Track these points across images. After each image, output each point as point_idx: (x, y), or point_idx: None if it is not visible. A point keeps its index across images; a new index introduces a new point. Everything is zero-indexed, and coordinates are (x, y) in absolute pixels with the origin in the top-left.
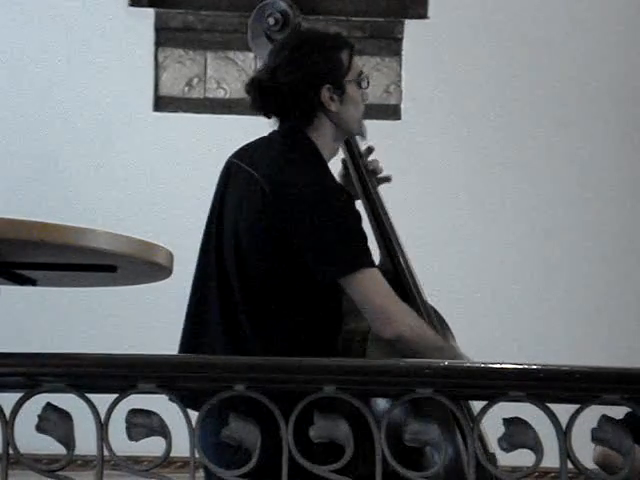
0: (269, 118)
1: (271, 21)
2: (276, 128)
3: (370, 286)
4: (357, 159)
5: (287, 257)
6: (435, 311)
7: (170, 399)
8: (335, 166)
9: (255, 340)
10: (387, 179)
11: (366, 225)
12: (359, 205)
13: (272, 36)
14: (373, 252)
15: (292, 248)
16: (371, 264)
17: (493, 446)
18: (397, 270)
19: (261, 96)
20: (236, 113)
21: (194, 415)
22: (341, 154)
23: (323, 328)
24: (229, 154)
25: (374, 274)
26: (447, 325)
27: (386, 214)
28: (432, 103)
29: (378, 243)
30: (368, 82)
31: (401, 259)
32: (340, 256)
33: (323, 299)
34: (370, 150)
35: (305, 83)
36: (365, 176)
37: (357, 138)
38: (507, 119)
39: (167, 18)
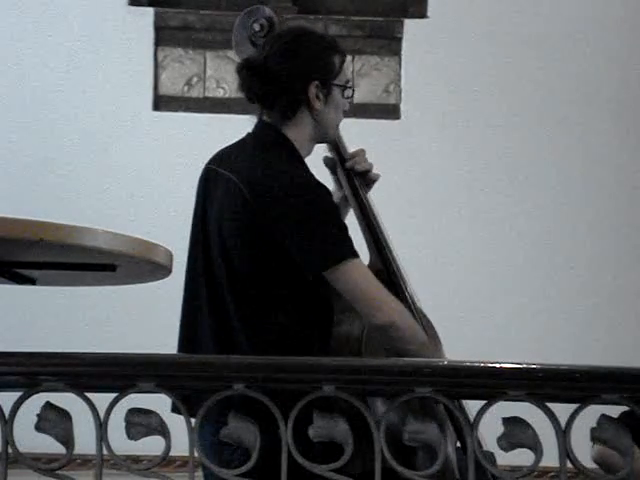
0: (252, 102)
1: (256, 27)
2: (250, 130)
3: (357, 275)
4: (345, 161)
5: (272, 255)
6: (424, 316)
7: (172, 410)
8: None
9: (245, 337)
10: (375, 179)
11: (355, 227)
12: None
13: (257, 42)
14: (363, 255)
15: (277, 246)
16: (354, 254)
17: (492, 446)
18: (388, 271)
19: (250, 77)
20: (235, 112)
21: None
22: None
23: (312, 322)
24: None
25: (359, 263)
26: (436, 332)
27: (375, 215)
28: (431, 102)
29: (368, 245)
30: (353, 93)
31: (392, 261)
32: (323, 249)
33: (310, 294)
34: (359, 152)
35: (295, 75)
36: (353, 178)
37: (344, 140)
38: (506, 118)
39: (166, 17)
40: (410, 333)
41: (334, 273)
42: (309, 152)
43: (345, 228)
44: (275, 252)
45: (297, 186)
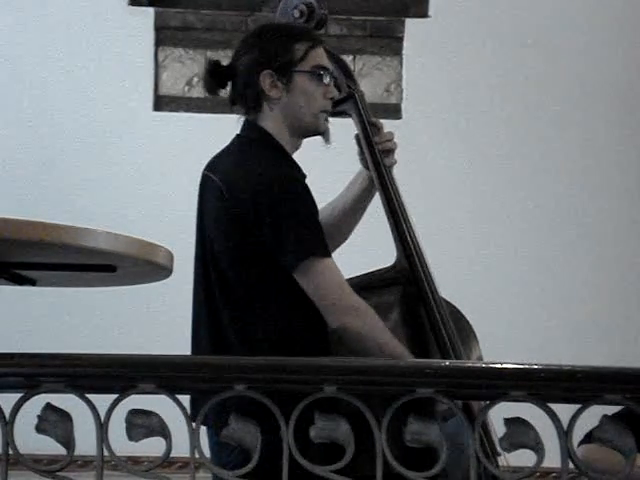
0: (233, 104)
1: (296, 13)
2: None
3: (319, 275)
4: (375, 152)
5: (254, 253)
6: (454, 309)
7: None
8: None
9: (235, 337)
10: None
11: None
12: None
13: None
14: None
15: (257, 243)
16: (323, 253)
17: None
18: (411, 266)
19: (211, 78)
20: (236, 113)
21: None
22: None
23: (304, 318)
24: None
25: (326, 263)
26: (468, 323)
27: (403, 206)
28: (433, 102)
29: (394, 237)
30: (331, 78)
31: (416, 255)
32: (291, 246)
33: (300, 294)
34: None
35: (247, 66)
36: (382, 167)
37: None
38: (508, 118)
39: (167, 17)
40: (368, 344)
41: (299, 269)
42: (295, 146)
43: (316, 225)
44: (257, 249)
45: (270, 183)
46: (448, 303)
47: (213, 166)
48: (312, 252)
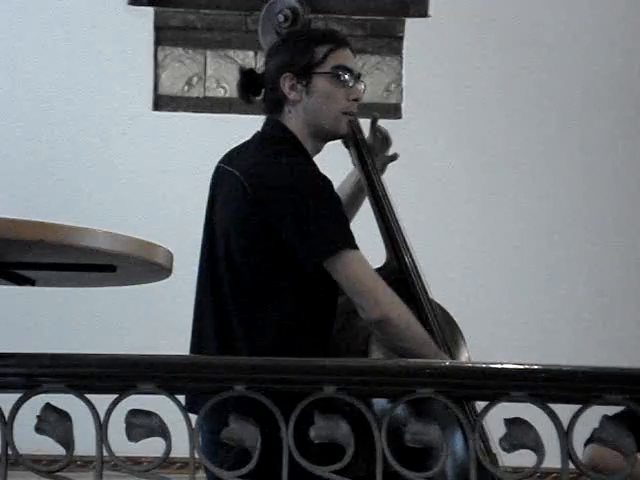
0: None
1: (281, 18)
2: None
3: (356, 267)
4: (360, 148)
5: (271, 248)
6: (444, 311)
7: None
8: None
9: (242, 333)
10: (393, 157)
11: (371, 220)
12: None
13: (282, 33)
14: (379, 250)
15: (276, 239)
16: (354, 246)
17: (494, 446)
18: (401, 268)
19: (244, 85)
20: (236, 112)
21: (194, 416)
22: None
23: (312, 318)
24: None
25: (359, 256)
26: (457, 326)
27: (392, 209)
28: (433, 102)
29: (383, 239)
30: (357, 78)
31: (406, 256)
32: (322, 239)
33: (311, 289)
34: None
35: (271, 71)
36: (370, 170)
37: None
38: (508, 117)
39: (167, 17)
40: (407, 332)
41: (332, 264)
42: (316, 149)
43: (346, 220)
44: (274, 245)
45: (296, 177)
46: (437, 304)
47: (231, 160)
48: (343, 246)
